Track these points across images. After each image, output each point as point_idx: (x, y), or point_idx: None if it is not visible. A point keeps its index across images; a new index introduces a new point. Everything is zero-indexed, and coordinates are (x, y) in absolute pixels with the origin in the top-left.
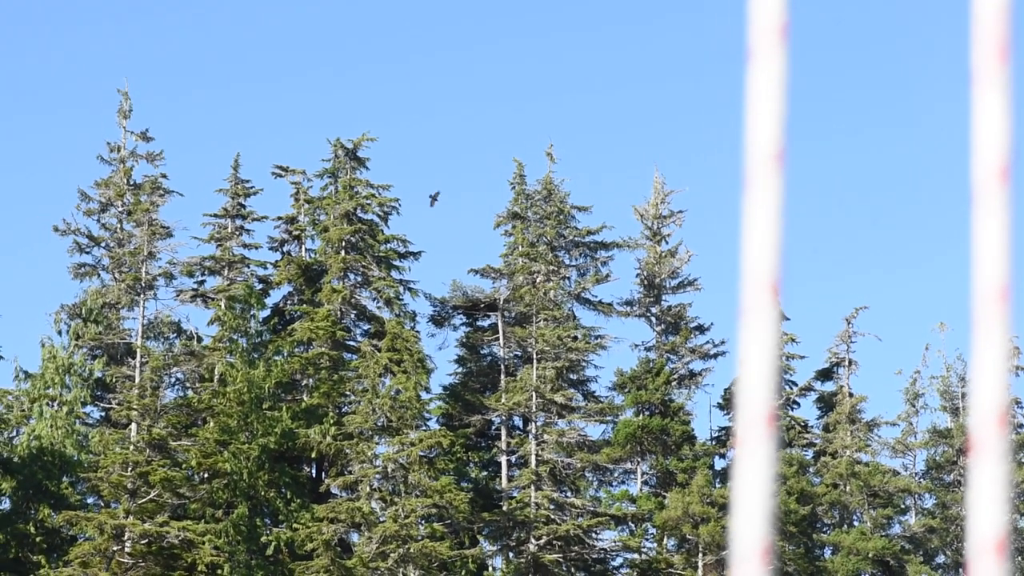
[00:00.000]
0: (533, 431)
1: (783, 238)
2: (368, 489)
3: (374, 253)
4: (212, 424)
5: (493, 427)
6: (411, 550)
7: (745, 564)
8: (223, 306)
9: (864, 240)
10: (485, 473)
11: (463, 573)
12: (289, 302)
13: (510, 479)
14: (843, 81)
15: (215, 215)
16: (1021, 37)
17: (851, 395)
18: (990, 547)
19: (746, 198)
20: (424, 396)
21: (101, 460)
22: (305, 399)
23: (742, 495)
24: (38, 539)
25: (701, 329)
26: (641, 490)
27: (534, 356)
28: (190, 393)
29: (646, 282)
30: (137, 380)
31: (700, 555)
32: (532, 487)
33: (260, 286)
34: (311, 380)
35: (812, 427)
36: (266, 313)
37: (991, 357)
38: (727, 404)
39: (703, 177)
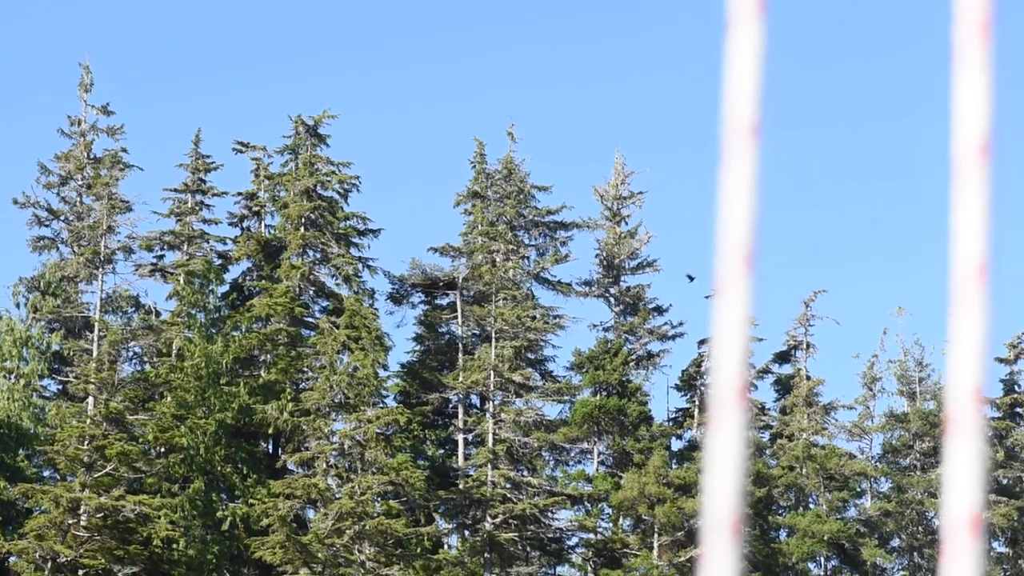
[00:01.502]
0: (490, 410)
1: (758, 211)
2: (324, 465)
3: (333, 230)
4: (169, 399)
5: (450, 405)
6: (367, 527)
7: (715, 536)
8: (182, 281)
9: (823, 223)
10: (442, 451)
11: (418, 551)
12: (248, 278)
13: (467, 457)
14: (812, 63)
15: (175, 190)
16: (1003, 13)
17: (808, 378)
18: (965, 525)
19: (722, 169)
20: (382, 373)
21: (58, 433)
22: (263, 375)
23: (713, 468)
24: None
25: (660, 310)
26: (597, 470)
27: (492, 335)
28: (148, 367)
29: (605, 263)
30: (95, 354)
31: (656, 535)
32: (489, 466)
33: (219, 261)
34: (269, 356)
35: (769, 409)
36: (225, 288)
37: (968, 334)
38: (684, 385)
39: (663, 159)
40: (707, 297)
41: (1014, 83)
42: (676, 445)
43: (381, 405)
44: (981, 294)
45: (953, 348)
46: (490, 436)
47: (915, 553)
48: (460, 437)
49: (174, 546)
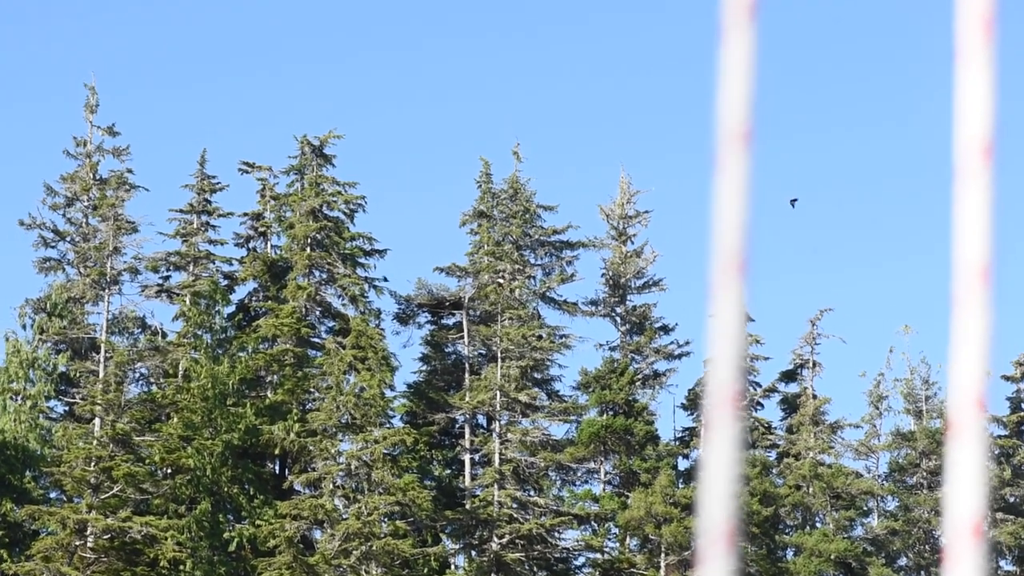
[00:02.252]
0: (497, 430)
1: (750, 219)
2: (331, 486)
3: (340, 250)
4: (176, 420)
5: (457, 425)
6: (374, 548)
7: (711, 547)
8: (188, 302)
9: (829, 241)
10: (448, 471)
11: (425, 571)
12: (254, 298)
13: (473, 477)
14: (811, 74)
15: (181, 211)
16: (1006, 11)
17: (815, 397)
18: (967, 530)
19: (715, 176)
20: (388, 394)
21: (64, 455)
22: (269, 395)
23: (709, 477)
24: (0, 533)
25: (666, 329)
26: (604, 490)
27: (499, 355)
28: (154, 388)
29: (611, 282)
30: (101, 375)
31: (663, 555)
32: (495, 486)
33: (225, 282)
34: (275, 377)
35: (775, 428)
36: (231, 309)
37: (971, 338)
38: (691, 404)
39: (670, 178)
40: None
41: (1017, 83)
42: (683, 464)
43: (388, 425)
44: (984, 297)
45: (955, 352)
46: (496, 456)
47: (922, 572)
48: (467, 457)
49: (181, 567)
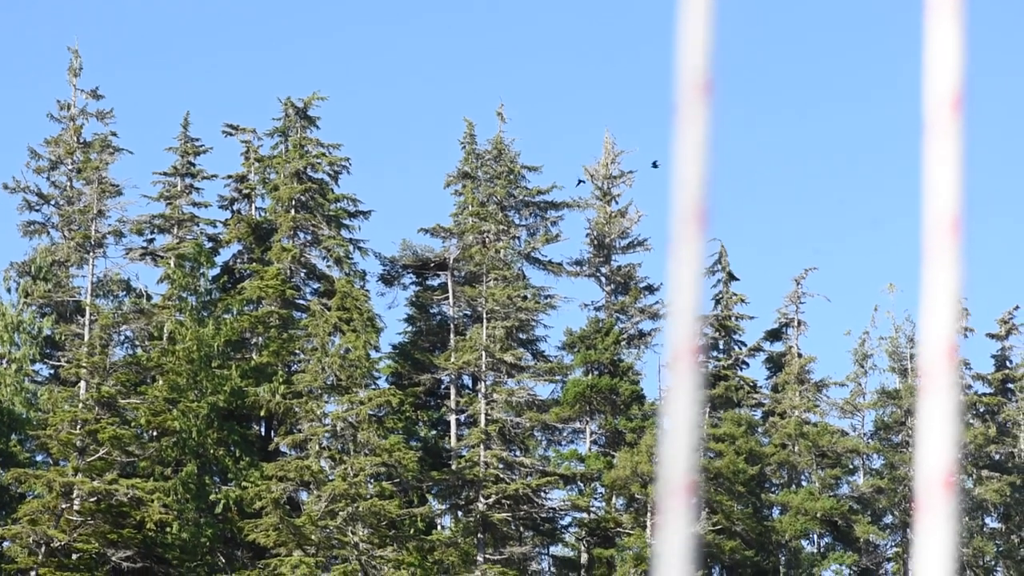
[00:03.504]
0: (482, 390)
1: (711, 169)
2: (317, 447)
3: (324, 212)
4: (161, 382)
5: (442, 386)
6: (360, 508)
7: (671, 500)
8: (173, 264)
9: (813, 201)
10: (434, 432)
11: (412, 532)
12: (239, 260)
13: (459, 438)
14: (788, 41)
15: (165, 173)
16: None
17: (800, 356)
18: (938, 482)
19: (676, 126)
20: (373, 355)
21: (50, 418)
22: (254, 357)
23: (669, 429)
24: None
25: (651, 289)
26: (590, 449)
27: (484, 315)
28: (139, 351)
29: (596, 242)
30: (86, 338)
31: (648, 514)
32: (481, 446)
33: (210, 244)
34: (260, 338)
35: (761, 387)
36: (216, 271)
37: (941, 290)
38: None
39: (654, 137)
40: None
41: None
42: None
43: (373, 387)
44: (954, 249)
45: (926, 305)
46: (482, 416)
47: (908, 529)
48: (452, 418)
49: (167, 529)
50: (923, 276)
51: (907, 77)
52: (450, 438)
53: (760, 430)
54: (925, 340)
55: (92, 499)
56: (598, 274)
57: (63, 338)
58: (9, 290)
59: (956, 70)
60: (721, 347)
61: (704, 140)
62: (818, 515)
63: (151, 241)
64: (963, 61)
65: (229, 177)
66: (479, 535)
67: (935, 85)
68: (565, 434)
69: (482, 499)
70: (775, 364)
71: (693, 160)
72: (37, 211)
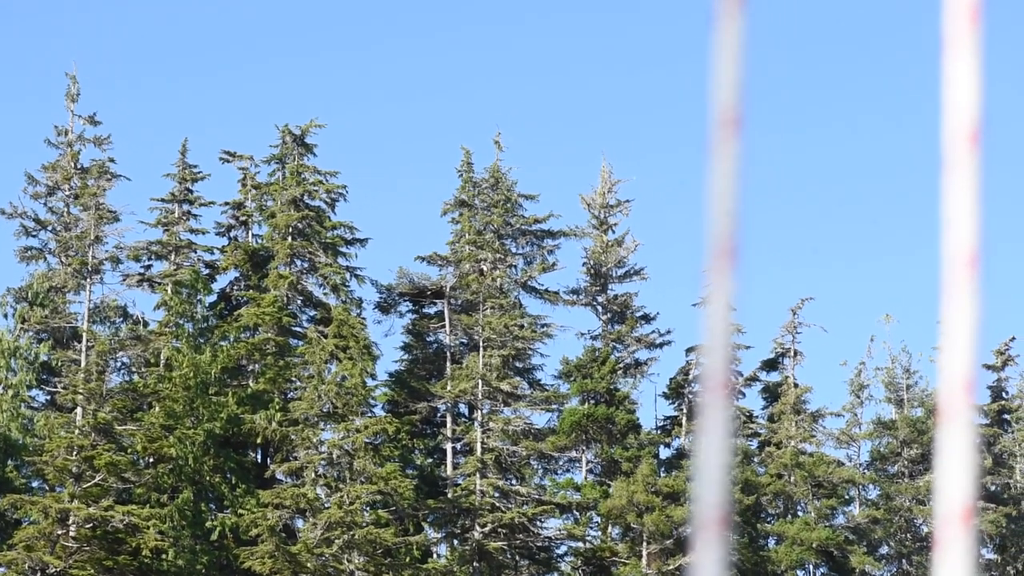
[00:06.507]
0: (479, 419)
1: (741, 204)
2: (313, 475)
3: (321, 239)
4: (158, 409)
5: (439, 414)
6: (356, 536)
7: (703, 533)
8: (169, 291)
9: (811, 230)
10: (430, 460)
11: (407, 560)
12: (235, 287)
13: (455, 466)
14: (798, 67)
15: (162, 200)
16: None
17: (796, 385)
18: (957, 515)
19: (709, 162)
20: (370, 383)
21: (46, 444)
22: (251, 384)
23: (701, 463)
24: None
25: (647, 318)
26: (586, 479)
27: (480, 344)
28: (136, 377)
29: (592, 271)
30: (83, 364)
31: (644, 544)
32: (477, 475)
33: (207, 271)
34: (257, 365)
35: (757, 417)
36: (212, 298)
37: (960, 324)
38: (672, 393)
39: (651, 165)
40: (695, 305)
41: (1004, 70)
42: (664, 453)
43: (369, 414)
44: (973, 284)
45: (945, 339)
46: (478, 445)
47: (903, 560)
48: (448, 446)
49: (163, 556)
50: (942, 310)
51: (915, 114)
52: (446, 466)
53: (756, 460)
54: (943, 374)
55: (88, 525)
56: (594, 303)
57: (59, 364)
58: (6, 316)
59: (974, 104)
60: None
61: (735, 175)
62: (814, 545)
63: (148, 267)
64: (981, 95)
65: (226, 204)
66: (475, 564)
67: (953, 118)
68: (561, 463)
69: (478, 528)
70: (771, 394)
71: (724, 195)
72: (34, 237)
